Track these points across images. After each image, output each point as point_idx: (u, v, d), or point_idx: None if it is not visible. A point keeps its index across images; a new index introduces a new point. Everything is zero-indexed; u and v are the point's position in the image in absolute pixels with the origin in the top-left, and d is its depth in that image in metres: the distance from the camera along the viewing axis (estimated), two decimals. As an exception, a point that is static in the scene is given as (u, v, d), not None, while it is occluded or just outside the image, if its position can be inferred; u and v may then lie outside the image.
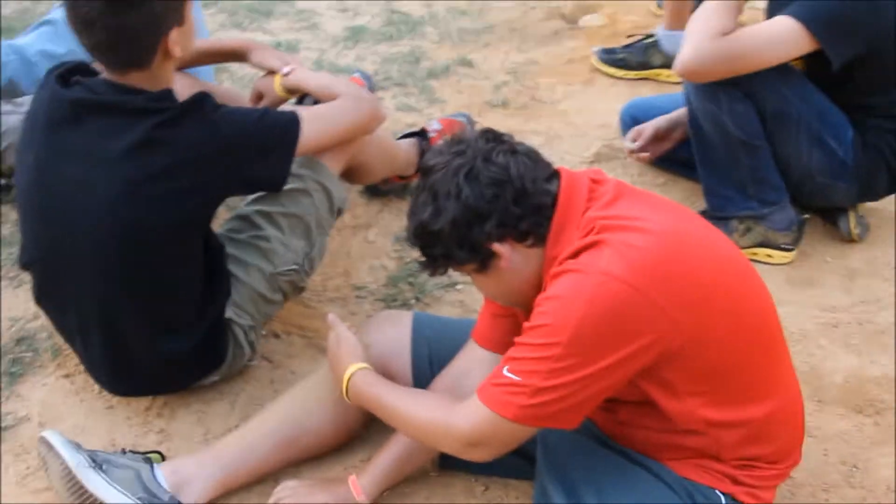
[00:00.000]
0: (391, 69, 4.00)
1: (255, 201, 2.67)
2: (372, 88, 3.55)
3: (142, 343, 2.47)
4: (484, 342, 2.29)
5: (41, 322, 2.77)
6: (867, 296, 2.99)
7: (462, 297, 2.96)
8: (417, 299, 2.95)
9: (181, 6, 2.39)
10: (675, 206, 2.13)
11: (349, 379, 2.20)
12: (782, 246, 3.04)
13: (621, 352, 1.87)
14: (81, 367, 2.66)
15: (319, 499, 2.26)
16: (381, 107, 2.83)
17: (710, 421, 2.00)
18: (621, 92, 3.83)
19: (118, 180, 2.31)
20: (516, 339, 1.96)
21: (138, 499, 2.21)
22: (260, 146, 2.45)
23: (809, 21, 2.76)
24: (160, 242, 2.39)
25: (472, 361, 2.30)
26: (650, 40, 3.91)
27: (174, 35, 2.35)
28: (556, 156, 3.36)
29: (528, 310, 2.01)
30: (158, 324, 2.47)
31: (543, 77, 3.98)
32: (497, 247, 1.94)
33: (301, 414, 2.39)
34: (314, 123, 2.54)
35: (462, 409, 2.01)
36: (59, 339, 2.70)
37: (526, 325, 1.94)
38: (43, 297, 2.57)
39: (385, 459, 2.29)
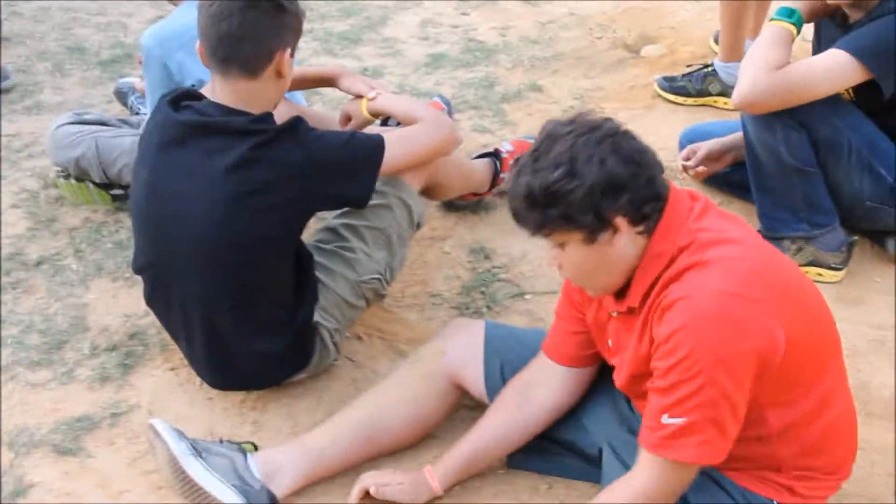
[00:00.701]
0: (468, 93, 3.99)
1: (341, 215, 2.70)
2: (450, 112, 3.56)
3: (238, 343, 2.52)
4: (554, 356, 2.28)
5: (151, 319, 2.79)
6: (914, 314, 2.92)
7: (530, 306, 2.94)
8: (489, 307, 2.94)
9: (298, 36, 2.46)
10: (746, 224, 2.11)
11: None
12: (832, 265, 3.01)
13: (754, 360, 1.84)
14: (185, 362, 2.70)
15: (399, 479, 2.28)
16: (457, 130, 2.87)
17: (776, 430, 1.98)
18: (681, 117, 3.79)
19: (220, 195, 2.36)
20: (654, 385, 1.91)
21: (232, 485, 2.25)
22: (348, 167, 2.49)
23: (861, 53, 2.75)
24: (256, 252, 2.42)
25: (542, 373, 2.29)
26: (708, 69, 3.87)
27: (287, 56, 2.42)
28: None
29: (600, 293, 2.04)
30: (253, 325, 2.51)
31: (608, 102, 3.95)
32: (619, 221, 1.89)
33: (380, 413, 2.40)
34: (397, 146, 2.57)
35: (641, 472, 1.97)
36: (166, 336, 2.74)
37: (659, 366, 1.89)
38: (152, 298, 2.63)
39: (459, 454, 2.31)
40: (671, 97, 3.93)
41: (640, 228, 1.93)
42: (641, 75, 4.09)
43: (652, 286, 1.95)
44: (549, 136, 1.94)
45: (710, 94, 3.89)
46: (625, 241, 1.94)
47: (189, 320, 2.52)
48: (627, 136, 1.94)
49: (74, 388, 2.70)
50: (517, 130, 3.73)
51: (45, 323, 2.93)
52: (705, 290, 1.85)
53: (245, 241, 2.40)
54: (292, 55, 2.46)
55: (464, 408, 2.46)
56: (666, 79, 3.96)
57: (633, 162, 1.90)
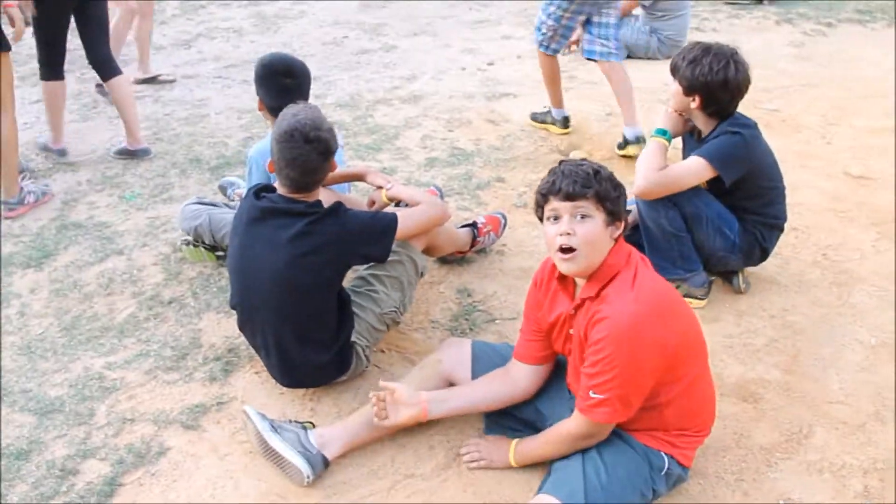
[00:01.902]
0: (453, 184, 4.04)
1: (369, 267, 2.76)
2: (442, 196, 3.62)
3: (299, 356, 2.57)
4: (521, 358, 2.33)
5: (242, 340, 2.82)
6: (750, 327, 3.00)
7: (500, 328, 2.98)
8: (471, 329, 2.98)
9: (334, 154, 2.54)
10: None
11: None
12: (698, 297, 3.08)
13: (654, 358, 1.97)
14: (265, 369, 2.73)
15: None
16: (447, 208, 2.92)
17: (664, 401, 2.07)
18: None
19: (286, 255, 2.44)
20: (585, 369, 2.02)
21: (298, 452, 2.30)
22: (372, 235, 2.56)
23: (711, 158, 2.87)
24: (310, 294, 2.50)
25: (513, 370, 2.34)
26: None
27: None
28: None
29: (583, 268, 2.03)
30: (309, 344, 2.56)
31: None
32: (619, 224, 2.06)
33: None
34: (407, 220, 2.65)
35: (571, 423, 2.09)
36: (252, 351, 2.78)
37: (590, 358, 2.00)
38: (242, 326, 2.69)
39: (454, 399, 2.35)
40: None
41: (616, 236, 2.06)
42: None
43: (598, 291, 2.04)
44: (584, 159, 2.17)
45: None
46: (611, 240, 2.05)
47: (266, 340, 2.59)
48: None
49: (193, 385, 2.75)
50: (487, 208, 3.77)
51: (174, 342, 2.98)
52: (624, 312, 1.95)
53: (301, 287, 2.47)
54: (332, 167, 2.54)
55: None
56: None
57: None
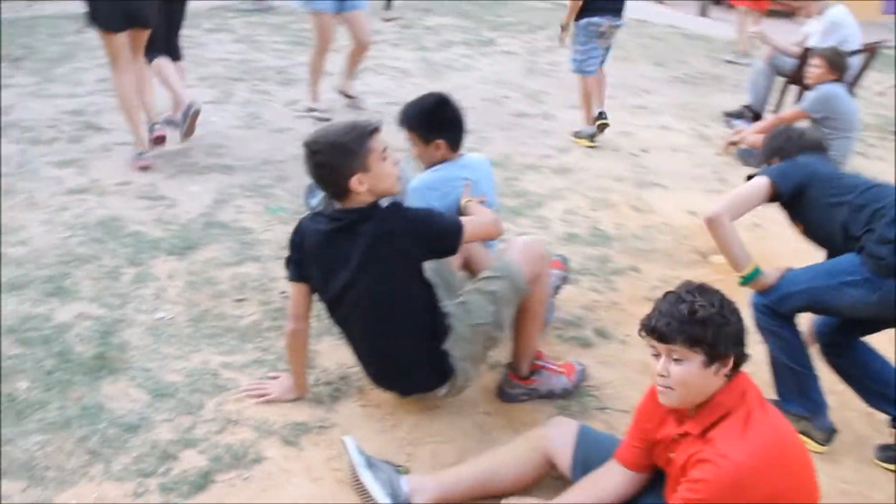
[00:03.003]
0: (589, 264, 4.02)
1: (472, 283, 2.82)
2: (566, 265, 3.59)
3: (403, 364, 2.65)
4: (622, 460, 2.27)
5: (354, 369, 2.87)
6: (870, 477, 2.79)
7: (609, 418, 2.90)
8: (580, 413, 2.91)
9: (361, 161, 2.51)
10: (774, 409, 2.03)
11: None
12: (817, 440, 2.83)
13: None
14: (372, 401, 2.78)
15: None
16: (500, 223, 2.87)
17: None
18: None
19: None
20: (675, 500, 1.95)
21: (388, 493, 2.29)
22: (435, 228, 2.61)
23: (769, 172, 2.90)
24: (399, 300, 2.59)
25: (612, 471, 2.28)
26: None
27: (356, 178, 2.51)
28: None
29: (680, 405, 1.98)
30: (405, 353, 2.64)
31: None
32: (729, 361, 1.94)
33: (495, 467, 2.42)
34: (469, 224, 2.65)
35: None
36: (363, 382, 2.82)
37: (682, 491, 1.93)
38: (347, 338, 2.78)
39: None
40: None
41: (728, 373, 1.95)
42: (707, 275, 4.03)
43: (704, 431, 1.96)
44: (697, 287, 1.98)
45: None
46: (719, 377, 1.94)
47: (366, 349, 2.70)
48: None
49: (301, 403, 2.80)
50: (620, 295, 3.72)
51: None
52: (729, 461, 1.86)
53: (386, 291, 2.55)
54: (367, 171, 2.52)
55: (550, 477, 2.44)
56: None
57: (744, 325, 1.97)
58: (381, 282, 2.53)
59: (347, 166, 2.50)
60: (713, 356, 1.91)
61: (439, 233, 2.60)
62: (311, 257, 2.63)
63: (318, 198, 3.34)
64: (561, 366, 3.01)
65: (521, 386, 2.93)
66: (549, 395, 2.94)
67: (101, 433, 2.56)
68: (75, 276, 3.47)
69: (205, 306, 3.33)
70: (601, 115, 5.80)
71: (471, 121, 3.60)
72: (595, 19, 5.60)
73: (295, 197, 4.34)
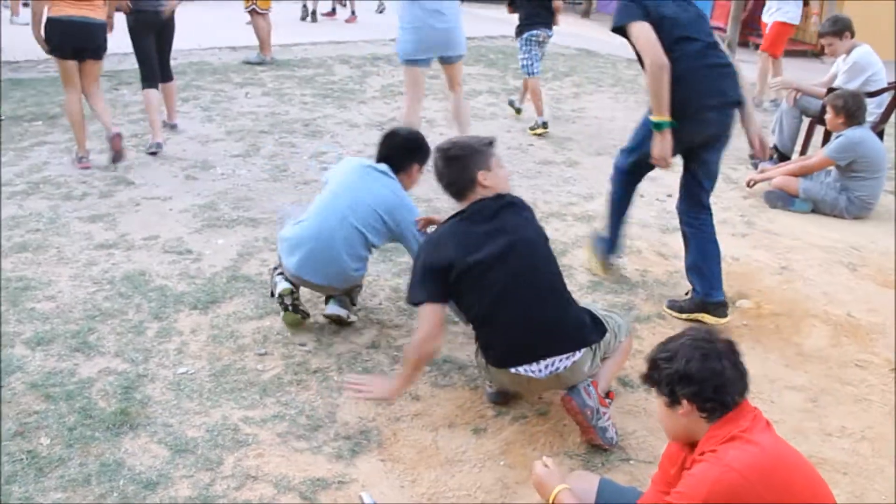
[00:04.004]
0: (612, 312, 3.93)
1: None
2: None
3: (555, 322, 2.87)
4: None
5: (375, 423, 2.86)
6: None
7: (633, 470, 2.83)
8: (603, 465, 2.85)
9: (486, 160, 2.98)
10: (779, 437, 2.04)
11: (557, 492, 2.26)
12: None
13: None
14: (392, 455, 2.76)
15: None
16: None
17: None
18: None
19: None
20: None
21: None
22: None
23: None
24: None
25: None
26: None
27: (482, 174, 2.95)
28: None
29: (673, 440, 2.13)
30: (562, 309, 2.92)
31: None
32: (686, 403, 2.00)
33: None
34: None
35: None
36: (382, 437, 2.78)
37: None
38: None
39: None
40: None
41: (704, 416, 2.00)
42: (731, 320, 3.96)
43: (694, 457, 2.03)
44: (678, 333, 2.13)
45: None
46: (692, 419, 2.01)
47: (521, 317, 2.84)
48: (724, 353, 2.01)
49: (320, 458, 2.80)
50: (643, 343, 3.66)
51: (311, 411, 3.05)
52: (720, 462, 1.90)
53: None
54: (489, 169, 2.98)
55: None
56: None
57: (709, 370, 1.97)
58: (535, 249, 2.91)
59: (475, 163, 2.95)
60: (671, 398, 2.02)
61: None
62: (460, 255, 2.82)
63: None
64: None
65: (597, 398, 2.87)
66: (602, 433, 2.88)
67: (119, 490, 2.57)
68: (100, 330, 3.51)
69: (227, 360, 3.34)
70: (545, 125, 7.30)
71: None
72: (534, 31, 7.16)
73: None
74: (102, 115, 5.85)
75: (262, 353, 3.41)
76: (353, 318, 3.64)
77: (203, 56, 10.09)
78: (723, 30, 13.39)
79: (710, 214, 3.99)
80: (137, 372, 3.22)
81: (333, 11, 14.37)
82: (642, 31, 3.50)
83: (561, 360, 2.81)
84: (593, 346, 2.89)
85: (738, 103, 3.75)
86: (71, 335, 3.46)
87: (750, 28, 14.57)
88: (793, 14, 9.03)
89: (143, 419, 2.93)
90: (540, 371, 2.81)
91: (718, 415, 1.99)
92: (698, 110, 3.62)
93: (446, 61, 5.81)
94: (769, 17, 9.13)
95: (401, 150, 3.62)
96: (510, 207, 2.95)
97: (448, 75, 5.97)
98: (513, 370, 2.83)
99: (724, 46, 3.83)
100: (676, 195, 4.06)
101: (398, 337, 3.61)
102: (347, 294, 3.62)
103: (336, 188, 3.51)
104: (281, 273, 3.53)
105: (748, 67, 11.99)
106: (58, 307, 3.70)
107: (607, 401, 2.93)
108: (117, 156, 5.75)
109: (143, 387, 3.13)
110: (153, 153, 6.08)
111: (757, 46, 14.65)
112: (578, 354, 2.82)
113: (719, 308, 3.88)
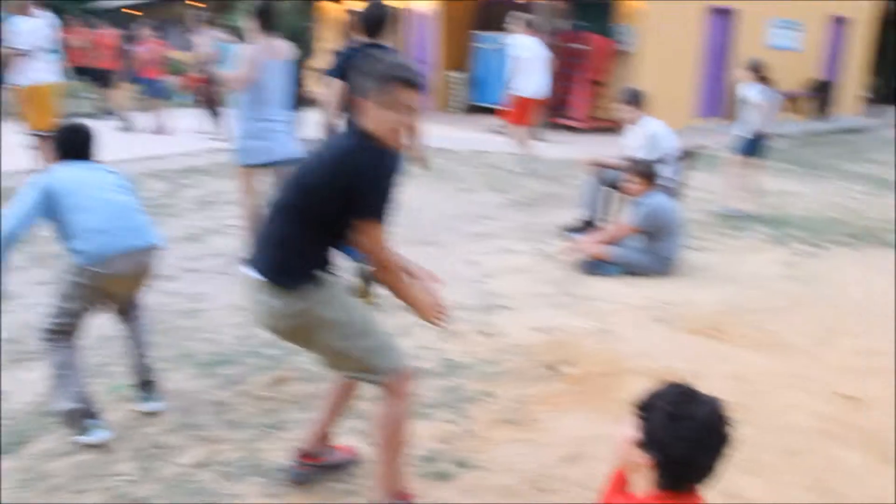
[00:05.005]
0: (441, 396, 4.06)
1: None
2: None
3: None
4: None
5: None
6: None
7: None
8: None
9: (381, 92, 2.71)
10: None
11: None
12: None
13: None
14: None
15: None
16: None
17: None
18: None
19: None
20: None
21: None
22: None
23: None
24: None
25: None
26: None
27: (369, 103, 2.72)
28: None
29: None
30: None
31: (536, 405, 4.01)
32: (649, 457, 1.89)
33: None
34: None
35: None
36: None
37: None
38: None
39: None
40: None
41: (657, 482, 1.91)
42: (560, 388, 4.16)
43: None
44: (708, 402, 1.91)
45: None
46: (644, 473, 1.91)
47: None
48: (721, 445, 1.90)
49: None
50: (476, 422, 3.76)
51: None
52: None
53: None
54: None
55: None
56: None
57: (692, 460, 1.88)
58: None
59: (369, 87, 2.68)
60: (644, 443, 1.91)
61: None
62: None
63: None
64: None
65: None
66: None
67: None
68: None
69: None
70: None
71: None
72: None
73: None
74: None
75: (80, 490, 3.24)
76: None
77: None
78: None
79: None
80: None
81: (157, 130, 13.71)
82: None
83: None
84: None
85: None
86: None
87: (557, 110, 15.63)
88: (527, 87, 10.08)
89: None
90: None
91: (669, 489, 1.91)
92: None
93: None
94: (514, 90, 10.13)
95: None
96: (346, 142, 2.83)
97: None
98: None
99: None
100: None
101: (225, 451, 3.53)
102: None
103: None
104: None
105: (553, 147, 12.86)
106: None
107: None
108: None
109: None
110: None
111: (563, 127, 15.71)
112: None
113: None
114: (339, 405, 3.22)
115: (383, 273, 2.83)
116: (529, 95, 10.10)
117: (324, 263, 2.84)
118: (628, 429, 1.95)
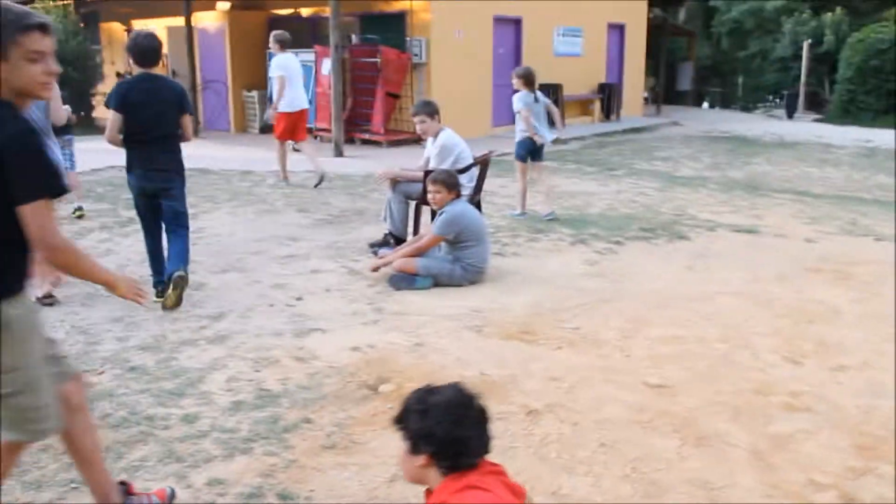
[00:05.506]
0: (259, 428, 3.96)
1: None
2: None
3: None
4: None
5: None
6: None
7: None
8: None
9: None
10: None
11: None
12: None
13: None
14: None
15: None
16: None
17: None
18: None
19: None
20: None
21: None
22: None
23: None
24: None
25: None
26: None
27: None
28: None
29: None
30: None
31: (357, 427, 3.97)
32: (424, 457, 2.18)
33: None
34: None
35: None
36: None
37: None
38: None
39: None
40: None
41: (441, 471, 2.18)
42: (378, 406, 4.14)
43: None
44: (443, 389, 2.26)
45: None
46: (429, 469, 2.19)
47: None
48: (476, 420, 2.22)
49: None
50: (295, 451, 3.68)
51: None
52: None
53: None
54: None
55: None
56: None
57: (455, 438, 2.15)
58: None
59: None
60: (413, 448, 2.20)
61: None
62: None
63: None
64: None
65: None
66: None
67: None
68: None
69: None
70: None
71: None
72: None
73: None
74: None
75: None
76: None
77: None
78: (327, 130, 14.34)
79: None
80: None
81: None
82: None
83: None
84: None
85: None
86: None
87: (355, 125, 15.69)
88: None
89: None
90: None
91: (454, 471, 2.16)
92: None
93: None
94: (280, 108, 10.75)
95: None
96: None
97: None
98: None
99: None
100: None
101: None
102: None
103: None
104: None
105: (353, 162, 12.91)
106: None
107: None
108: None
109: None
110: None
111: (363, 141, 15.84)
112: None
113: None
114: (83, 452, 2.90)
115: (63, 256, 2.48)
116: (293, 110, 10.77)
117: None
118: (399, 445, 2.23)
